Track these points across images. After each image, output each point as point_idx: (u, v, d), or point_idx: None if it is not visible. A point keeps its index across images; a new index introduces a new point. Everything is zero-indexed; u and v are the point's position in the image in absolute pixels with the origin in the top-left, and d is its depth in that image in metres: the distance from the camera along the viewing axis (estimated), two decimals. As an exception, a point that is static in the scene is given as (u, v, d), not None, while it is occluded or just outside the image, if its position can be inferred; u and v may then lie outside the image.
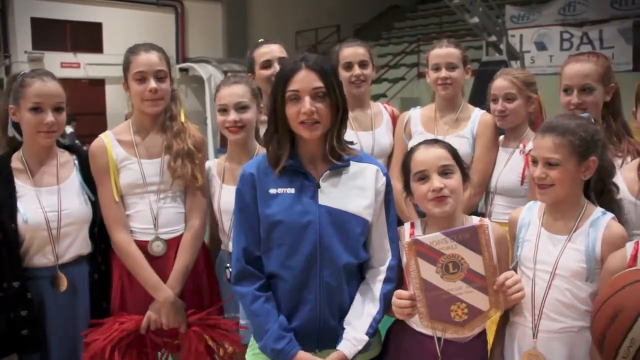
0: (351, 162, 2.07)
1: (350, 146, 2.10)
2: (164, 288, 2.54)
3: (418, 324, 2.06)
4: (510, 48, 11.24)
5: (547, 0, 15.76)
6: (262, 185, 2.04)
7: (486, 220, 2.22)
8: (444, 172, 2.08)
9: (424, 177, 2.09)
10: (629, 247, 1.90)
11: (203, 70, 16.90)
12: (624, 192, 2.24)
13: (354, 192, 2.05)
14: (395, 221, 2.18)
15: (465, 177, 2.14)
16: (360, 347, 2.01)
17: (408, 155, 2.20)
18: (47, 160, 2.58)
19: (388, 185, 2.12)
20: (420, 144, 2.20)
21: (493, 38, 10.97)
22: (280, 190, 2.02)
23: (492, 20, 11.11)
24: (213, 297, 2.74)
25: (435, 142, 2.20)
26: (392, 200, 2.14)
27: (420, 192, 2.10)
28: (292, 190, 2.01)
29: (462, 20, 11.41)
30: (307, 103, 1.94)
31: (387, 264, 2.10)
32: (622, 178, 2.28)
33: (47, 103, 2.47)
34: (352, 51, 3.17)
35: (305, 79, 1.95)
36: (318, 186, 2.02)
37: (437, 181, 2.06)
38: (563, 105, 2.59)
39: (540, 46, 14.37)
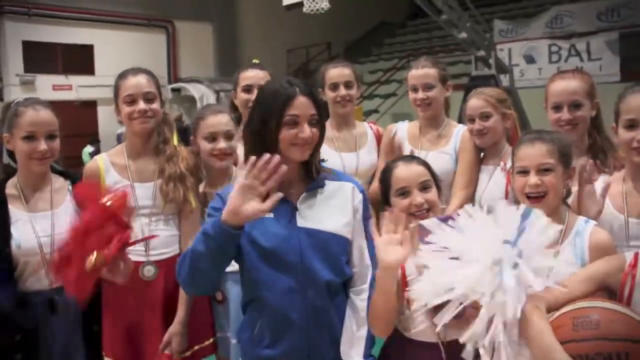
0: (327, 181, 2.10)
1: (322, 165, 2.12)
2: None
3: (418, 335, 2.07)
4: (499, 62, 11.28)
5: (534, 14, 15.89)
6: None
7: None
8: (424, 187, 2.20)
9: (405, 192, 2.20)
10: (628, 256, 1.88)
11: (195, 90, 16.89)
12: (606, 206, 2.26)
13: (331, 210, 2.06)
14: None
15: (439, 189, 2.26)
16: None
17: (387, 171, 2.28)
18: (41, 186, 2.61)
19: (364, 200, 2.15)
20: (397, 160, 2.32)
21: (482, 52, 11.01)
22: None
23: (480, 35, 11.17)
24: (207, 318, 2.77)
25: (412, 158, 2.32)
26: (369, 216, 2.16)
27: (402, 205, 2.18)
28: (270, 215, 1.96)
29: (452, 35, 11.49)
30: (307, 129, 1.97)
31: (369, 280, 2.10)
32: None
33: (40, 131, 2.50)
34: (338, 72, 3.25)
35: (303, 106, 1.98)
36: (296, 209, 2.03)
37: (418, 197, 2.18)
38: (552, 123, 2.61)
39: (529, 59, 14.46)
